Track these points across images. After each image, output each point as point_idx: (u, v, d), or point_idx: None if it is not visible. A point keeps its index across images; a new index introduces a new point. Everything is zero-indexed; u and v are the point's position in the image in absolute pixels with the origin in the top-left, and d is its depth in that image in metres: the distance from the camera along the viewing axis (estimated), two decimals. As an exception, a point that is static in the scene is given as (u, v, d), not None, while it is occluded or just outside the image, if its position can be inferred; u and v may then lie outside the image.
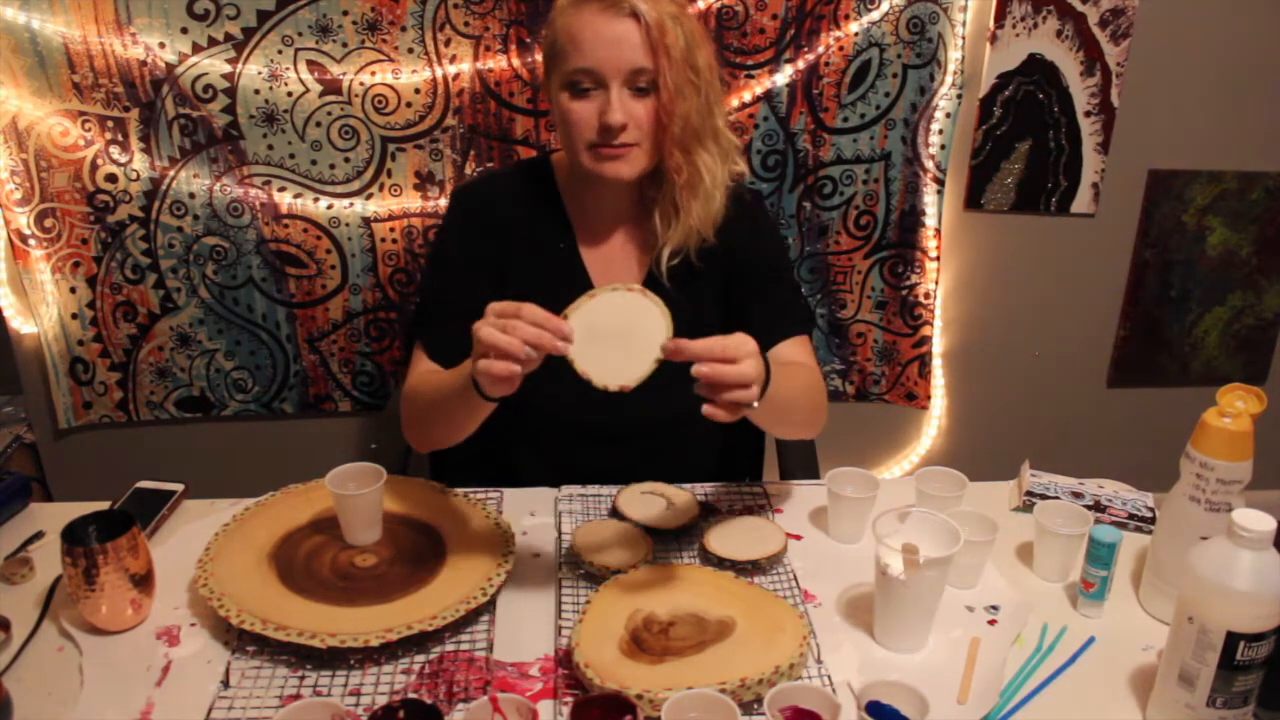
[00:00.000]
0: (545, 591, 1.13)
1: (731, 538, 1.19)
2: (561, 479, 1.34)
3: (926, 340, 2.13)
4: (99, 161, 1.84)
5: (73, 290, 1.92)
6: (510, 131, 1.91)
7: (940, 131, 1.98)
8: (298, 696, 0.96)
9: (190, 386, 2.03)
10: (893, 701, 0.89)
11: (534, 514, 1.29)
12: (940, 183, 2.02)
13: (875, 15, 1.90)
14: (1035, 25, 1.95)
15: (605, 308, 0.99)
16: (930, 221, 2.04)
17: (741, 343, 0.98)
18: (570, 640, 1.00)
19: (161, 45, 1.78)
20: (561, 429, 1.37)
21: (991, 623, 1.09)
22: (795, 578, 1.16)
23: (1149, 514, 1.29)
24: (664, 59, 1.16)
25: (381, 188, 1.92)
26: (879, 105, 1.97)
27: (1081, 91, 2.01)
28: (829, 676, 1.00)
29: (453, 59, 1.85)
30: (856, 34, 1.91)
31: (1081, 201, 2.10)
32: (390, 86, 1.85)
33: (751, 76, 1.92)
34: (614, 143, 1.18)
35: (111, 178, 1.85)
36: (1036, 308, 2.20)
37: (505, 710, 0.87)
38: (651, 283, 1.32)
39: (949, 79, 1.94)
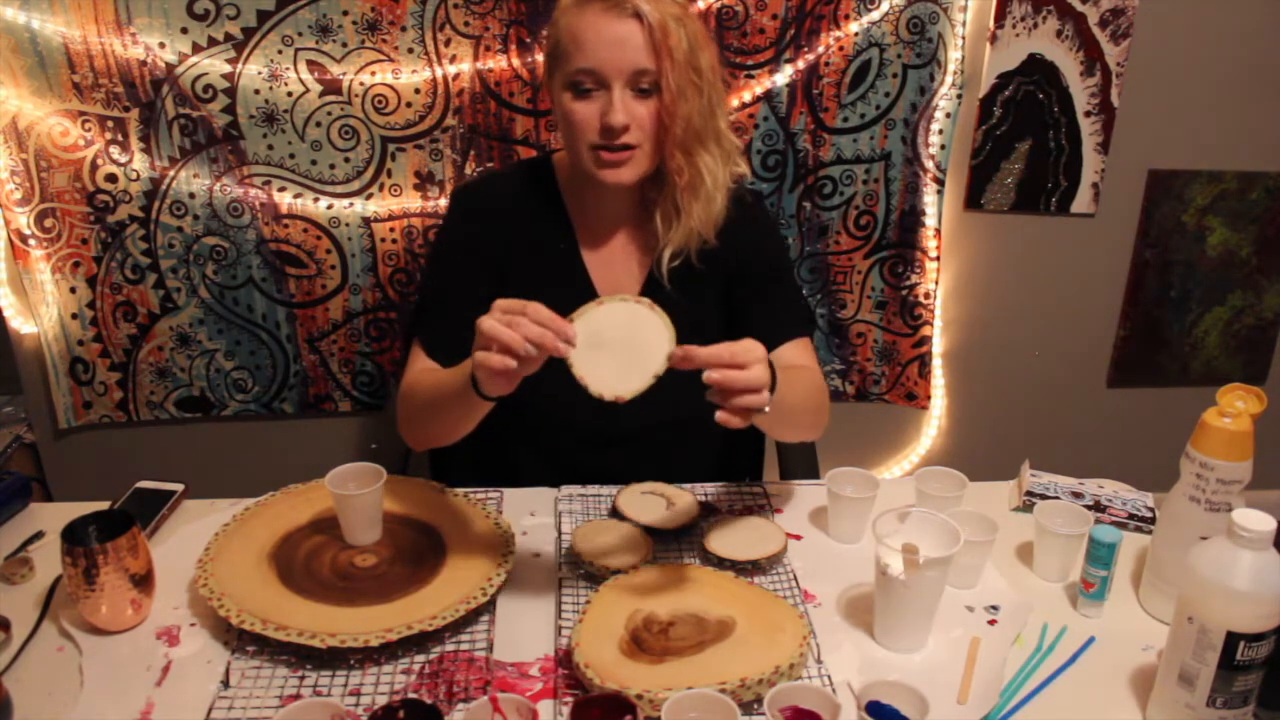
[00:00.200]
0: (545, 591, 1.13)
1: (731, 538, 1.19)
2: (561, 479, 1.34)
3: (926, 340, 2.13)
4: (99, 161, 1.84)
5: (73, 290, 1.92)
6: (510, 131, 1.91)
7: (940, 131, 1.98)
8: (298, 696, 0.96)
9: (190, 386, 2.03)
10: (893, 701, 0.89)
11: (534, 514, 1.29)
12: (940, 183, 2.02)
13: (875, 15, 1.90)
14: (1035, 25, 1.95)
15: (612, 316, 0.99)
16: (930, 221, 2.04)
17: (750, 348, 0.98)
18: (570, 640, 1.00)
19: (161, 45, 1.78)
20: (562, 430, 1.37)
21: (991, 623, 1.09)
22: (795, 578, 1.16)
23: (1149, 514, 1.29)
24: (667, 60, 1.16)
25: (381, 188, 1.92)
26: (879, 105, 1.97)
27: (1081, 91, 2.01)
28: (829, 676, 1.00)
29: (453, 59, 1.85)
30: (856, 34, 1.91)
31: (1081, 201, 2.10)
32: (390, 86, 1.85)
33: (751, 76, 1.92)
34: (615, 143, 1.18)
35: (111, 178, 1.85)
36: (1036, 308, 2.20)
37: (505, 710, 0.87)
38: (652, 284, 1.33)
39: (949, 79, 1.94)
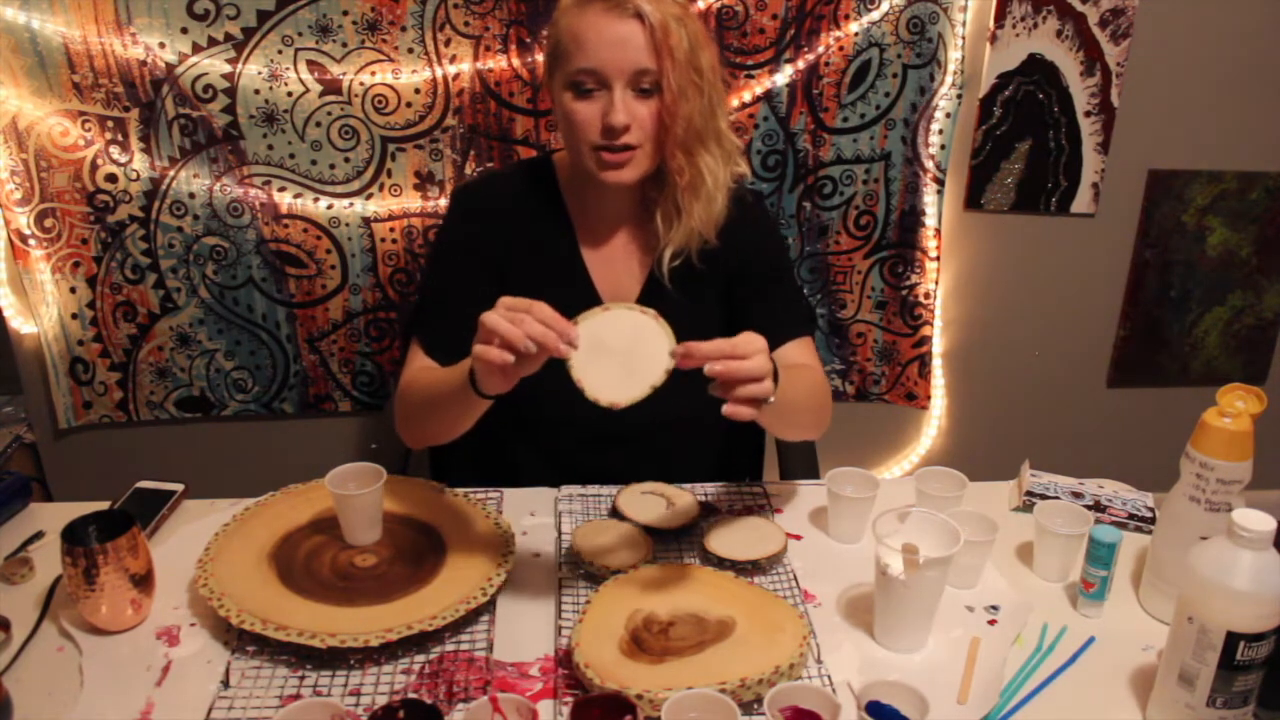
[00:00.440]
0: (545, 591, 1.13)
1: (731, 538, 1.19)
2: (561, 479, 1.34)
3: (926, 340, 2.13)
4: (99, 161, 1.84)
5: (73, 290, 1.92)
6: (510, 131, 1.91)
7: (940, 131, 1.98)
8: (298, 696, 0.96)
9: (190, 386, 2.03)
10: (893, 701, 0.89)
11: (534, 514, 1.29)
12: (940, 183, 2.02)
13: (875, 15, 1.90)
14: (1035, 25, 1.95)
15: (616, 323, 0.99)
16: (930, 221, 2.04)
17: (750, 340, 0.99)
18: (570, 640, 1.00)
19: (161, 45, 1.78)
20: (562, 429, 1.37)
21: (991, 623, 1.09)
22: (795, 578, 1.16)
23: (1149, 514, 1.29)
24: (667, 60, 1.16)
25: (381, 188, 1.92)
26: (879, 105, 1.97)
27: (1081, 91, 2.01)
28: (829, 676, 1.00)
29: (453, 59, 1.85)
30: (856, 34, 1.91)
31: (1081, 201, 2.10)
32: (390, 86, 1.85)
33: (751, 76, 1.92)
34: (616, 143, 1.18)
35: (111, 178, 1.85)
36: (1036, 308, 2.20)
37: (505, 710, 0.87)
38: (653, 284, 1.33)
39: (949, 79, 1.94)
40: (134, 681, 0.98)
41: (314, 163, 1.89)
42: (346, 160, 1.89)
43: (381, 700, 0.95)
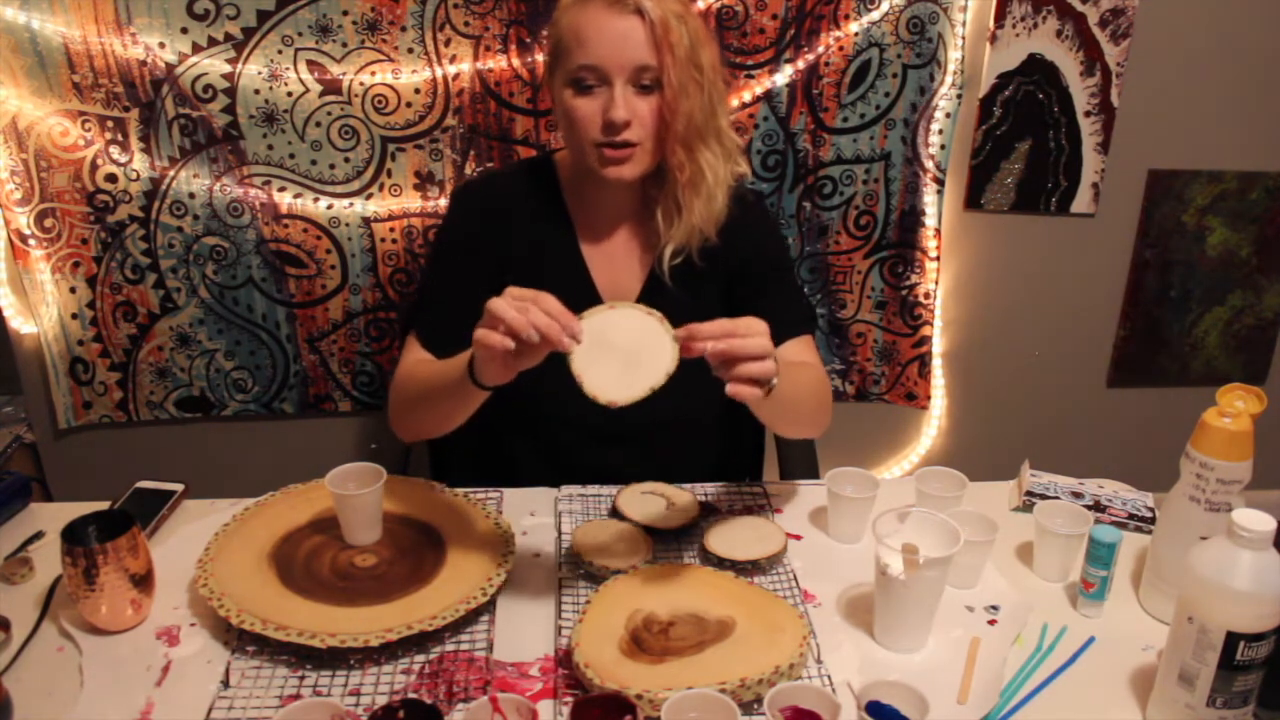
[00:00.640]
0: (545, 591, 1.13)
1: (731, 538, 1.19)
2: (561, 479, 1.34)
3: (926, 340, 2.13)
4: (99, 161, 1.84)
5: (73, 290, 1.92)
6: (510, 131, 1.91)
7: (940, 131, 1.98)
8: (298, 696, 0.96)
9: (190, 386, 2.03)
10: (893, 701, 0.89)
11: (534, 514, 1.29)
12: (940, 183, 2.02)
13: (875, 15, 1.90)
14: (1035, 25, 1.95)
15: (621, 322, 0.99)
16: (930, 221, 2.04)
17: (750, 323, 0.99)
18: (570, 640, 1.00)
19: (161, 45, 1.78)
20: (561, 427, 1.37)
21: (991, 623, 1.09)
22: (795, 578, 1.16)
23: (1149, 514, 1.29)
24: (668, 56, 1.16)
25: (381, 188, 1.92)
26: (879, 105, 1.97)
27: (1081, 91, 2.01)
28: (829, 676, 1.00)
29: (453, 59, 1.85)
30: (856, 34, 1.91)
31: (1081, 201, 2.10)
32: (390, 86, 1.85)
33: (751, 76, 1.92)
34: (617, 139, 1.18)
35: (111, 178, 1.85)
36: (1036, 308, 2.20)
37: (505, 710, 0.87)
38: (654, 282, 1.33)
39: (949, 79, 1.94)
40: (134, 681, 0.98)
41: (314, 163, 1.89)
42: (346, 160, 1.89)
43: (381, 700, 0.95)
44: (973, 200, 2.09)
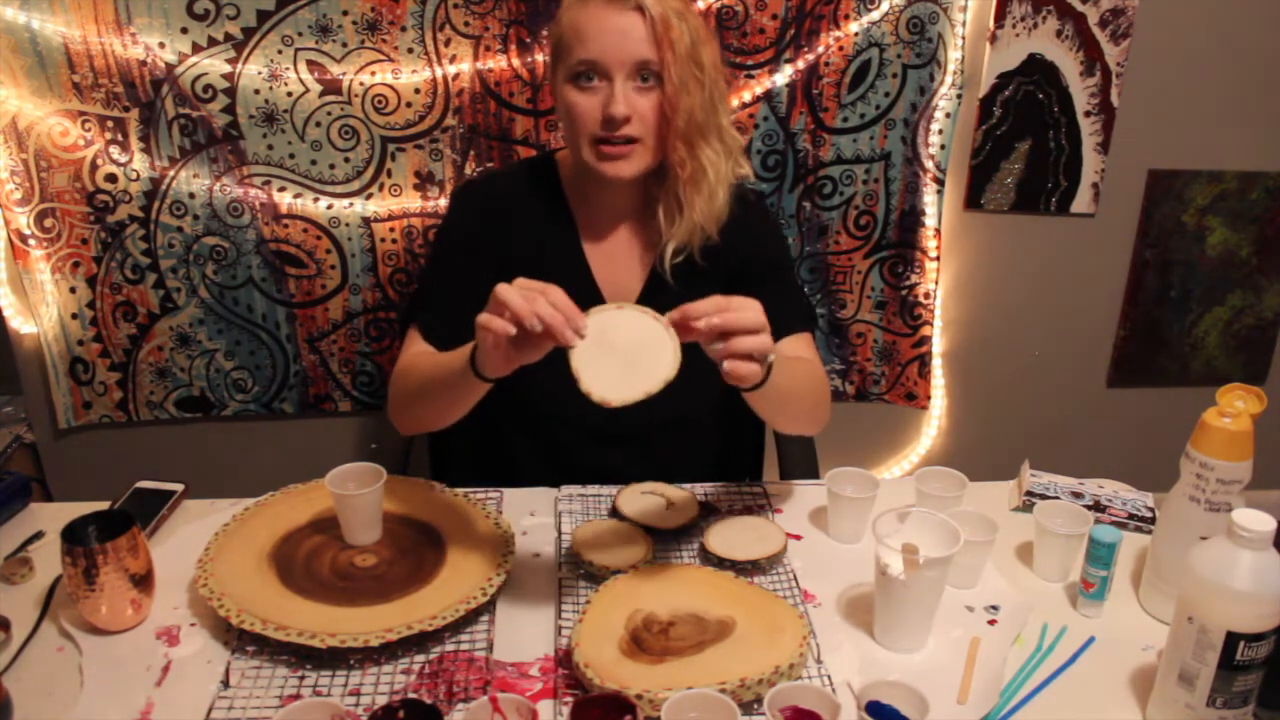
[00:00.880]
0: (545, 591, 1.13)
1: (731, 538, 1.19)
2: (561, 478, 1.34)
3: (926, 340, 2.13)
4: (99, 161, 1.84)
5: (73, 290, 1.92)
6: (510, 131, 1.91)
7: (940, 131, 1.98)
8: (298, 696, 0.96)
9: (190, 386, 2.03)
10: (893, 701, 0.89)
11: (534, 514, 1.29)
12: (940, 183, 2.02)
13: (875, 15, 1.90)
14: (1035, 25, 1.95)
15: (626, 323, 0.99)
16: (930, 221, 2.04)
17: (744, 301, 0.99)
18: (570, 640, 1.00)
19: (161, 45, 1.78)
20: (561, 427, 1.37)
21: (991, 623, 1.09)
22: (795, 578, 1.16)
23: (1149, 514, 1.29)
24: (668, 52, 1.16)
25: (381, 188, 1.92)
26: (879, 105, 1.97)
27: (1081, 91, 2.01)
28: (829, 676, 1.00)
29: (453, 59, 1.85)
30: (856, 34, 1.91)
31: (1081, 201, 2.10)
32: (390, 86, 1.85)
33: (751, 76, 1.92)
34: (617, 135, 1.19)
35: (111, 178, 1.85)
36: (1036, 308, 2.20)
37: (505, 710, 0.87)
38: (655, 280, 1.33)
39: (949, 79, 1.94)
40: (134, 681, 0.98)
41: (314, 163, 1.89)
42: (346, 160, 1.89)
43: (381, 700, 0.95)
44: (973, 200, 2.09)
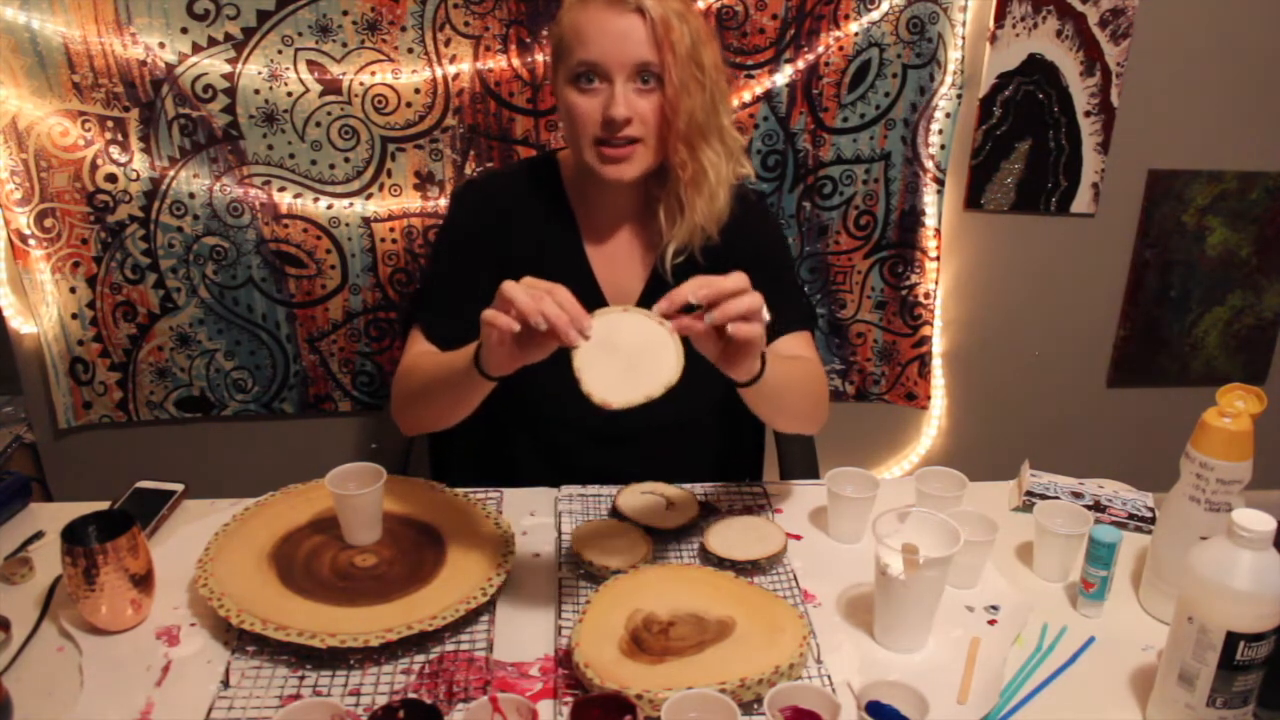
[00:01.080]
0: (545, 591, 1.13)
1: (731, 538, 1.19)
2: (561, 478, 1.34)
3: (926, 340, 2.13)
4: (99, 161, 1.84)
5: (73, 290, 1.92)
6: (510, 131, 1.91)
7: (940, 131, 1.98)
8: (298, 696, 0.96)
9: (190, 386, 2.03)
10: (893, 701, 0.89)
11: (534, 514, 1.29)
12: (940, 183, 2.02)
13: (875, 15, 1.90)
14: (1035, 25, 1.95)
15: (632, 326, 0.99)
16: (930, 221, 2.04)
17: (728, 275, 0.99)
18: (570, 640, 1.00)
19: (161, 45, 1.78)
20: (562, 427, 1.37)
21: (991, 623, 1.09)
22: (795, 578, 1.16)
23: (1149, 514, 1.29)
24: (669, 54, 1.16)
25: (381, 188, 1.92)
26: (879, 105, 1.97)
27: (1081, 91, 2.01)
28: (829, 676, 1.00)
29: (453, 59, 1.85)
30: (856, 34, 1.91)
31: (1081, 201, 2.10)
32: (390, 86, 1.85)
33: (751, 76, 1.92)
34: (618, 136, 1.19)
35: (111, 178, 1.85)
36: (1036, 308, 2.20)
37: (505, 710, 0.87)
38: (656, 280, 1.33)
39: (949, 79, 1.94)
40: (134, 681, 0.98)
41: (314, 163, 1.89)
42: (346, 160, 1.89)
43: (381, 700, 0.95)
44: (973, 200, 2.09)
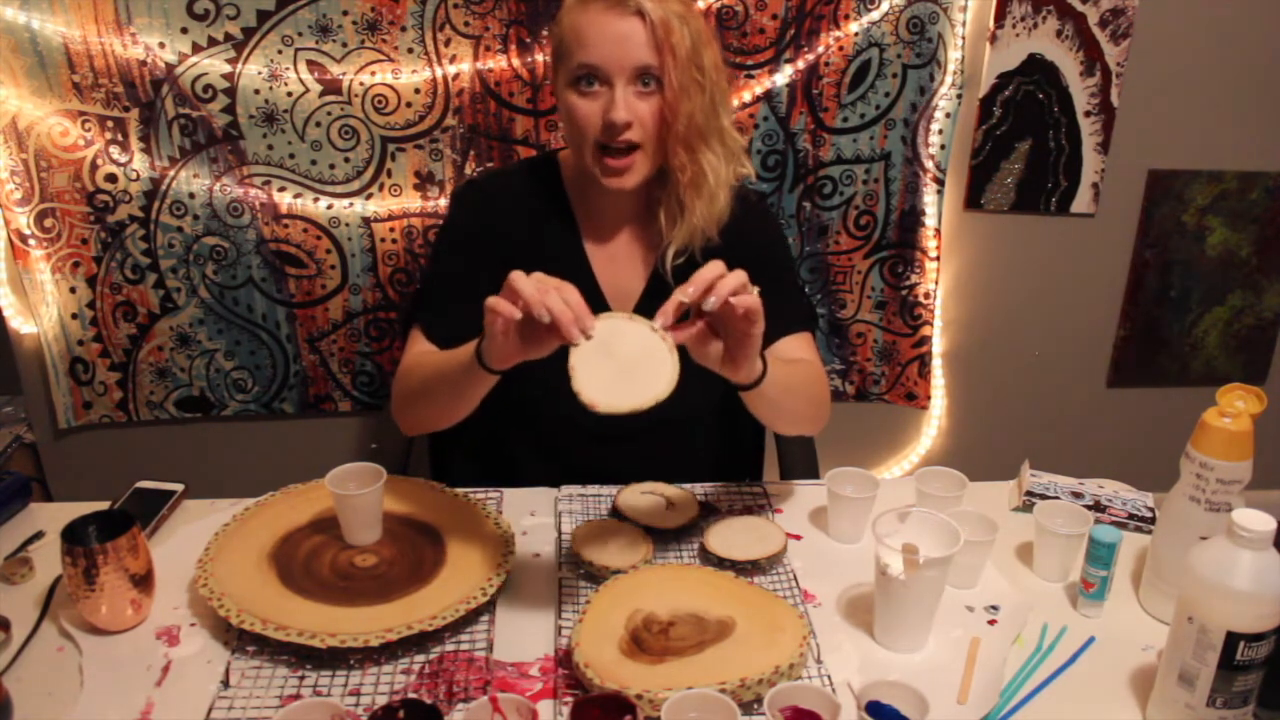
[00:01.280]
0: (545, 591, 1.13)
1: (731, 538, 1.19)
2: (561, 477, 1.34)
3: (926, 340, 2.13)
4: (99, 161, 1.84)
5: (73, 290, 1.92)
6: (510, 131, 1.91)
7: (940, 131, 1.98)
8: (298, 696, 0.96)
9: (190, 386, 2.03)
10: (893, 701, 0.88)
11: (534, 514, 1.29)
12: (940, 183, 2.02)
13: (875, 15, 1.90)
14: (1035, 25, 1.95)
15: (633, 334, 0.99)
16: (930, 221, 2.04)
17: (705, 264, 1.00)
18: (570, 640, 1.00)
19: (161, 45, 1.78)
20: (562, 428, 1.37)
21: (991, 623, 1.09)
22: (795, 578, 1.16)
23: (1149, 514, 1.29)
24: (669, 57, 1.16)
25: (381, 188, 1.92)
26: (879, 105, 1.97)
27: (1081, 91, 2.01)
28: (829, 676, 1.00)
29: (453, 59, 1.85)
30: (856, 34, 1.91)
31: (1081, 201, 2.10)
32: (390, 86, 1.85)
33: (751, 76, 1.92)
34: (618, 140, 1.18)
35: (111, 178, 1.85)
36: (1036, 308, 2.20)
37: (505, 710, 0.87)
38: (656, 281, 1.33)
39: (949, 79, 1.94)
40: (134, 681, 0.98)
41: (314, 163, 1.89)
42: (346, 160, 1.89)
43: (381, 700, 0.95)
44: (973, 200, 2.09)
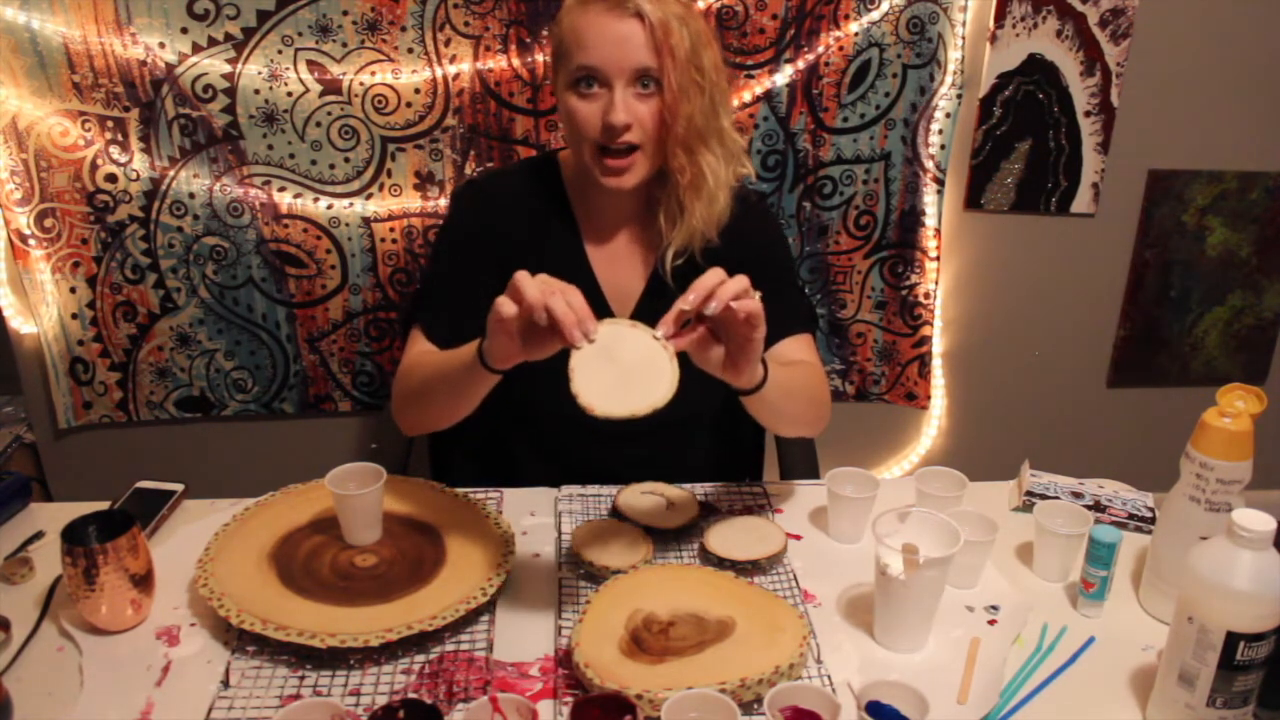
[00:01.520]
0: (545, 591, 1.13)
1: (731, 538, 1.19)
2: (561, 477, 1.34)
3: (926, 340, 2.13)
4: (99, 161, 1.84)
5: (73, 290, 1.92)
6: (510, 131, 1.91)
7: (940, 131, 1.98)
8: (298, 696, 0.96)
9: (190, 386, 2.03)
10: (893, 701, 0.89)
11: (534, 514, 1.29)
12: (940, 183, 2.02)
13: (875, 15, 1.90)
14: (1035, 25, 1.95)
15: (634, 341, 0.99)
16: (930, 221, 2.04)
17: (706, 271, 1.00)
18: (570, 640, 1.00)
19: (161, 45, 1.78)
20: (561, 427, 1.37)
21: (991, 623, 1.09)
22: (795, 578, 1.16)
23: (1149, 514, 1.29)
24: (668, 59, 1.16)
25: (381, 188, 1.92)
26: (879, 105, 1.97)
27: (1081, 91, 2.01)
28: (829, 676, 1.00)
29: (453, 59, 1.85)
30: (856, 34, 1.91)
31: (1081, 201, 2.10)
32: (390, 86, 1.85)
33: (751, 76, 1.92)
34: (618, 143, 1.18)
35: (111, 178, 1.85)
36: (1036, 308, 2.20)
37: (505, 710, 0.87)
38: (656, 282, 1.33)
39: (949, 79, 1.94)
40: (134, 681, 0.98)
41: (314, 163, 1.89)
42: (346, 160, 1.89)
43: (381, 700, 0.95)
44: (973, 200, 2.09)
